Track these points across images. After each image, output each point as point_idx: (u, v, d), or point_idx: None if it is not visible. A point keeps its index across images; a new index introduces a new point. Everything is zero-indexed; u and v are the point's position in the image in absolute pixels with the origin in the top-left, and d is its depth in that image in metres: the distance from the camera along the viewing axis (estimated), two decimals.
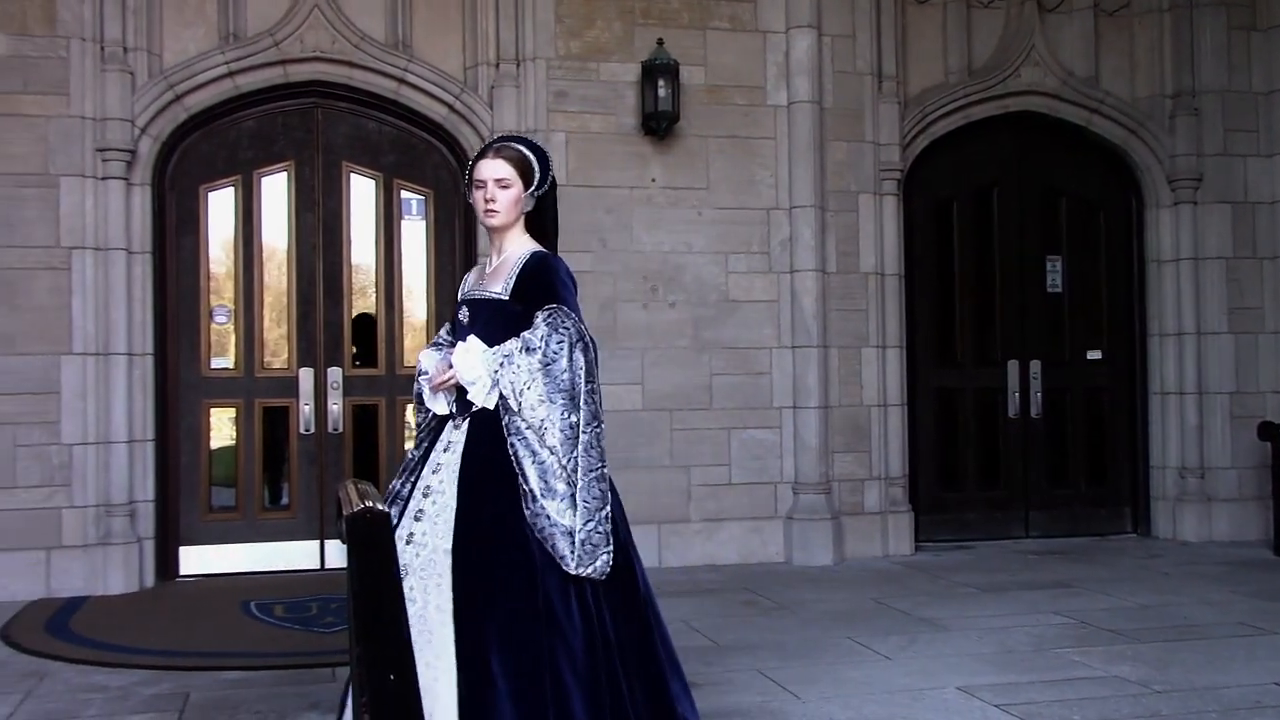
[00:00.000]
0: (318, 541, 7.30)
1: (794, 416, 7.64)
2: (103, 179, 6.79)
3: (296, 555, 7.26)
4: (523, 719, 3.15)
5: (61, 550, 6.63)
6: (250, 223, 7.36)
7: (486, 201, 3.51)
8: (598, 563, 3.29)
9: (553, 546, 3.25)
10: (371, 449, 7.50)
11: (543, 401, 3.31)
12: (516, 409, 3.32)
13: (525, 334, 3.38)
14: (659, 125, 7.42)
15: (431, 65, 7.38)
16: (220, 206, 7.33)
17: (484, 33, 7.42)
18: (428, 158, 7.61)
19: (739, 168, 7.66)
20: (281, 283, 7.42)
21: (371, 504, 2.72)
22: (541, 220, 3.62)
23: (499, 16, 7.40)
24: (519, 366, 3.33)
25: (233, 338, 7.34)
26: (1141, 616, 5.94)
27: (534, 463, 3.29)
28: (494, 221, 3.54)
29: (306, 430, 7.33)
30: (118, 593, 6.66)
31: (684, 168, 7.58)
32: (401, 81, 7.34)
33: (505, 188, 3.50)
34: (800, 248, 7.65)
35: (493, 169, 3.51)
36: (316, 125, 7.46)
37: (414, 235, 7.61)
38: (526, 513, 3.27)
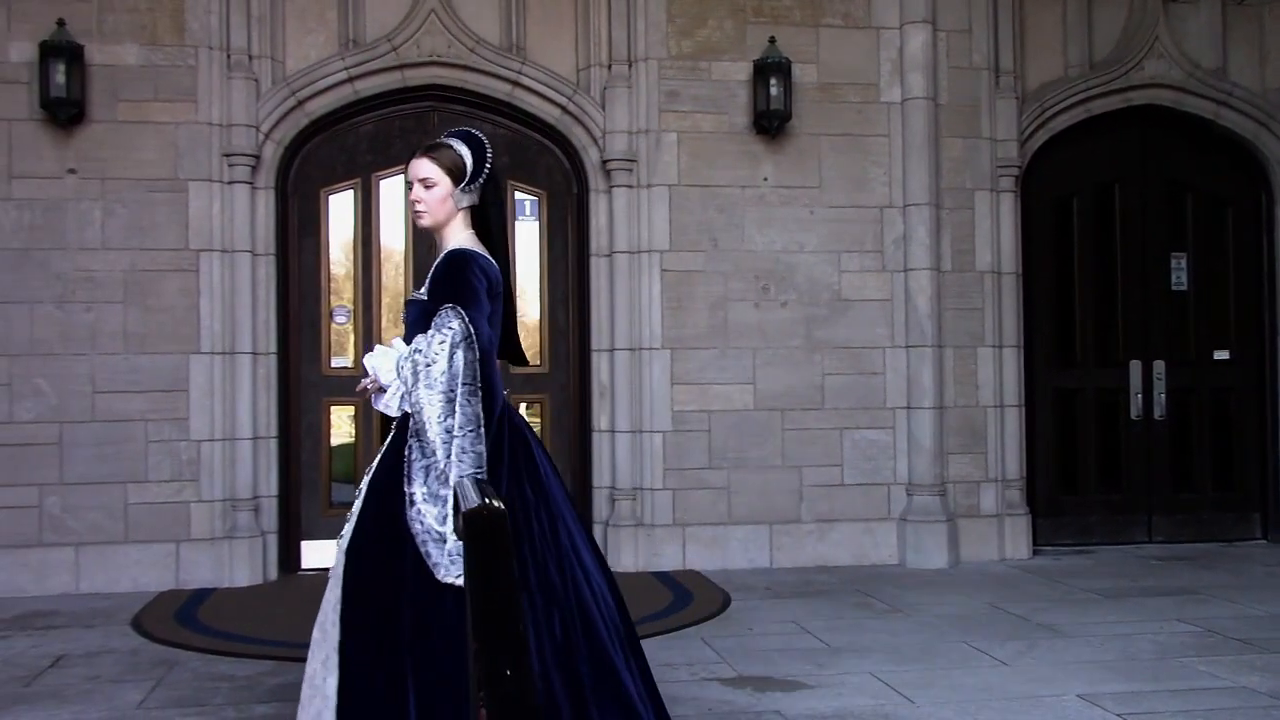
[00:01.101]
0: None
1: (908, 417, 7.55)
2: (228, 183, 7.01)
3: None
4: (358, 709, 3.15)
5: (190, 543, 6.86)
6: (369, 225, 7.52)
7: (414, 203, 3.53)
8: None
9: (427, 554, 3.19)
10: None
11: (424, 404, 3.25)
12: (413, 411, 3.29)
13: (419, 335, 3.36)
14: (771, 124, 7.39)
15: (544, 67, 7.45)
16: (340, 209, 7.50)
17: (596, 34, 7.48)
18: (540, 159, 7.69)
19: (852, 166, 7.59)
20: (399, 283, 7.56)
21: (489, 500, 2.76)
22: (484, 214, 3.58)
23: (611, 17, 7.44)
24: (407, 368, 3.31)
25: (352, 337, 7.50)
26: (1271, 626, 5.75)
27: (422, 466, 3.24)
28: (422, 222, 3.55)
29: None
30: (243, 585, 6.86)
31: (796, 166, 7.54)
32: (515, 84, 7.43)
33: (429, 187, 3.49)
34: (915, 246, 7.55)
35: (416, 169, 3.52)
36: (432, 128, 7.57)
37: (527, 236, 7.70)
38: (408, 515, 3.22)
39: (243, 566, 6.90)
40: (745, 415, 7.41)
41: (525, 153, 7.67)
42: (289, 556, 7.27)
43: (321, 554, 7.31)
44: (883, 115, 7.64)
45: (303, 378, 7.39)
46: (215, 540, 6.88)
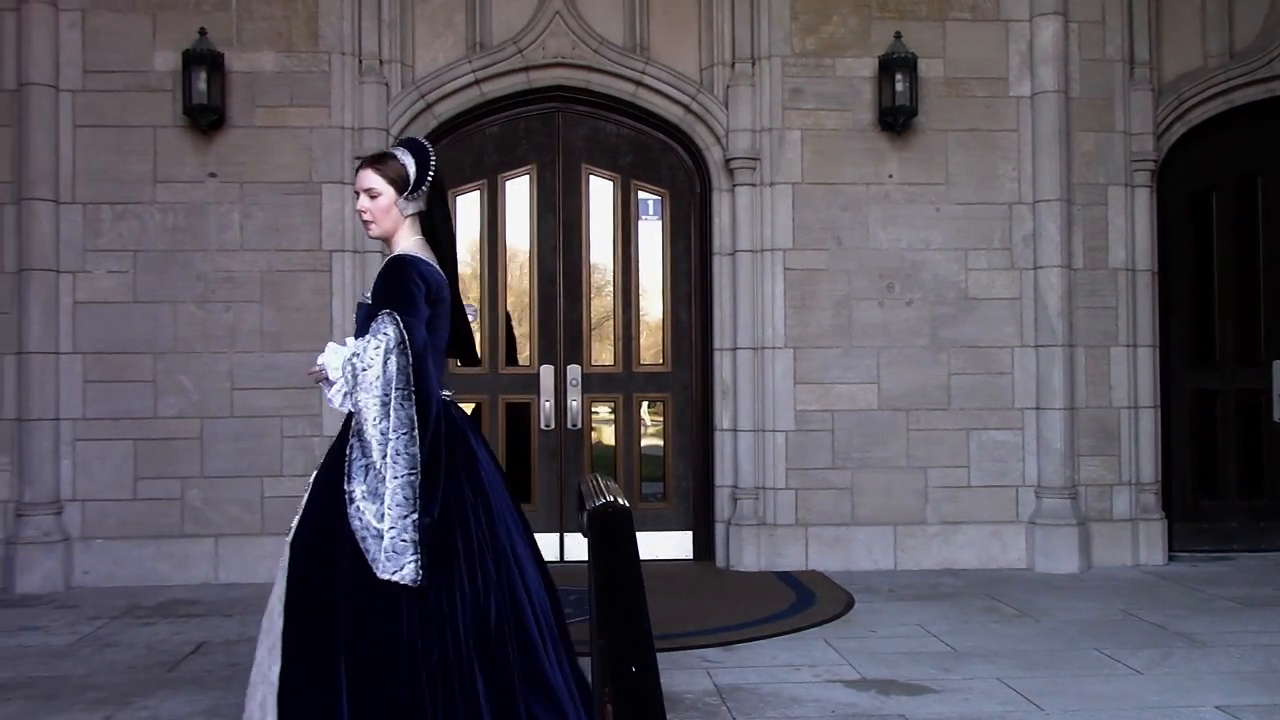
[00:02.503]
0: (558, 534, 7.51)
1: (1037, 418, 7.39)
2: None
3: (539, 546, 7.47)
4: (296, 702, 3.28)
5: None
6: (495, 225, 7.63)
7: (360, 212, 3.66)
8: (405, 569, 3.30)
9: (366, 549, 3.30)
10: (609, 445, 7.67)
11: (362, 407, 3.35)
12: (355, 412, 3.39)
13: (358, 340, 3.47)
14: (896, 120, 7.30)
15: (668, 67, 7.48)
16: (467, 210, 7.63)
17: (719, 32, 7.48)
18: (664, 158, 7.72)
19: (979, 162, 7.46)
20: (524, 283, 7.67)
21: (614, 498, 2.79)
22: (431, 220, 3.69)
23: (734, 16, 7.44)
24: (348, 370, 3.40)
25: (478, 336, 7.62)
26: None
27: (362, 465, 3.36)
28: (371, 231, 3.67)
29: (547, 426, 7.55)
30: None
31: (922, 163, 7.44)
32: (639, 84, 7.47)
33: (374, 197, 3.61)
34: (1044, 243, 7.39)
35: (361, 180, 3.63)
36: (557, 129, 7.67)
37: (650, 235, 7.73)
38: (349, 512, 3.33)
39: None
40: (869, 415, 7.34)
41: (648, 152, 7.71)
42: None
43: None
44: (1011, 110, 7.48)
45: None
46: None
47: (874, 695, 4.63)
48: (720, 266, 7.49)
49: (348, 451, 3.40)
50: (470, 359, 3.92)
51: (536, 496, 7.56)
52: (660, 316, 7.75)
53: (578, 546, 7.28)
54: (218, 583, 6.91)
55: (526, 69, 7.43)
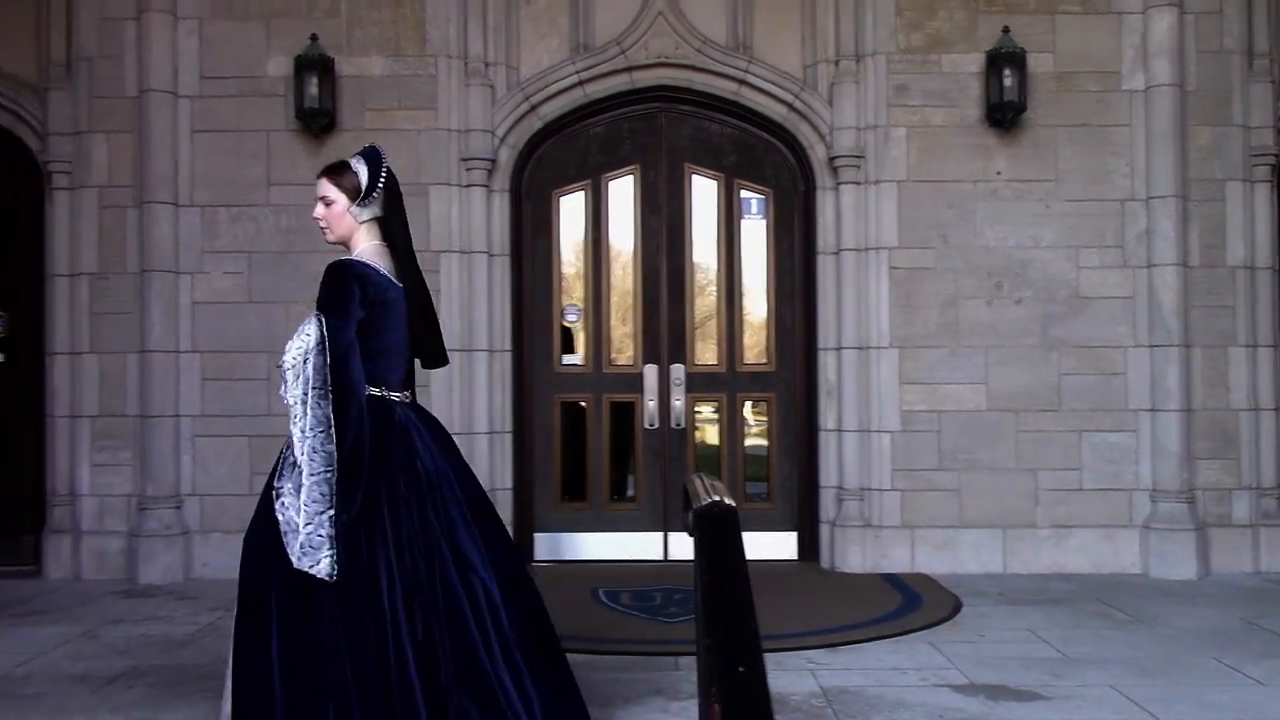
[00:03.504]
0: (661, 533, 7.53)
1: (1151, 420, 7.20)
2: (466, 186, 7.28)
3: (641, 545, 7.52)
4: (239, 701, 3.43)
5: None
6: (598, 225, 7.67)
7: (317, 219, 3.87)
8: (321, 564, 3.40)
9: (286, 543, 3.42)
10: (713, 444, 7.67)
11: (288, 404, 3.49)
12: None
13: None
14: (1004, 116, 7.18)
15: (771, 65, 7.45)
16: (570, 210, 7.69)
17: (823, 30, 7.43)
18: (767, 157, 7.69)
19: (1090, 157, 7.30)
20: (627, 282, 7.70)
21: (720, 498, 2.79)
22: (387, 222, 3.85)
23: (838, 12, 7.38)
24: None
25: (582, 335, 7.68)
26: None
27: (290, 462, 3.50)
28: (328, 237, 3.87)
29: (651, 425, 7.57)
30: None
31: (1031, 159, 7.30)
32: (742, 83, 7.45)
33: (328, 204, 3.82)
34: (1159, 240, 7.20)
35: (318, 188, 3.84)
36: (660, 129, 7.69)
37: (754, 234, 7.71)
38: (276, 507, 3.48)
39: None
40: (976, 415, 7.22)
41: (752, 151, 7.68)
42: (522, 546, 7.47)
43: (554, 546, 7.52)
44: (1124, 104, 7.30)
45: (536, 374, 7.61)
46: None
47: (982, 700, 4.56)
48: (824, 265, 7.44)
49: (285, 448, 3.55)
50: (433, 361, 3.97)
51: (641, 495, 7.59)
52: (764, 316, 7.72)
53: (681, 546, 7.29)
54: None
55: (629, 69, 7.46)
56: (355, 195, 3.80)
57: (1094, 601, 6.37)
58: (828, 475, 7.41)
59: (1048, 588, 6.75)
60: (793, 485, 7.62)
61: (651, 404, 7.58)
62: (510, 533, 7.25)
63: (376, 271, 3.72)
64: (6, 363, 7.63)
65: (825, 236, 7.44)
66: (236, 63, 7.26)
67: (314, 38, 7.16)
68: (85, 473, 7.19)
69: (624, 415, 7.66)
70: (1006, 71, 7.11)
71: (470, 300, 7.26)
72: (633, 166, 7.68)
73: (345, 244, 3.86)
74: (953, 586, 6.72)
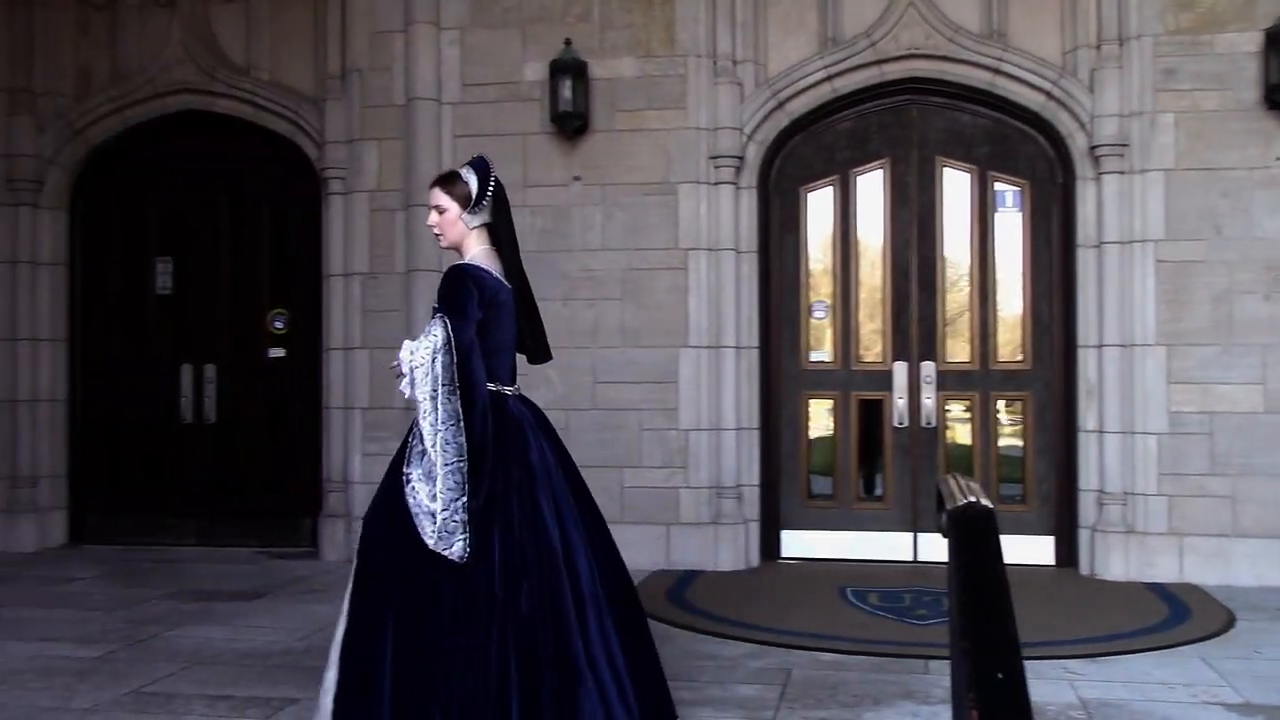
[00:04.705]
0: (911, 534, 7.39)
1: None
2: (714, 184, 7.34)
3: (889, 545, 7.40)
4: (346, 672, 3.67)
5: (678, 526, 7.26)
6: (846, 221, 7.60)
7: (430, 227, 4.07)
8: (455, 546, 3.62)
9: (420, 526, 3.64)
10: (964, 444, 7.47)
11: (417, 400, 3.73)
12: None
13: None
14: None
15: (1027, 53, 7.20)
16: (818, 206, 7.64)
17: (1084, 13, 7.12)
18: (1022, 148, 7.43)
19: None
20: (875, 278, 7.59)
21: (977, 498, 2.72)
22: (495, 228, 4.05)
23: None
24: (406, 366, 3.76)
25: (829, 332, 7.62)
26: None
27: (419, 451, 3.72)
28: (441, 242, 4.09)
29: (900, 423, 7.44)
30: (726, 569, 7.18)
31: None
32: (996, 72, 7.22)
33: (441, 213, 4.01)
34: None
35: (430, 197, 4.05)
36: (910, 122, 7.54)
37: (1008, 228, 7.47)
38: (406, 492, 3.69)
39: (727, 551, 7.21)
40: (1253, 418, 6.78)
41: (1006, 142, 7.45)
42: (770, 544, 7.50)
43: (801, 543, 7.50)
44: None
45: (783, 371, 7.60)
46: (701, 525, 7.24)
47: None
48: (1084, 259, 7.13)
49: (410, 438, 3.79)
50: (538, 356, 4.26)
51: (889, 495, 7.48)
52: (1019, 312, 7.47)
53: (932, 547, 7.13)
54: None
55: (879, 62, 7.35)
56: (466, 203, 4.01)
57: None
58: (1087, 478, 7.10)
59: None
60: (1049, 488, 7.35)
61: (901, 402, 7.46)
62: (756, 530, 7.35)
63: (489, 275, 3.96)
64: (287, 358, 8.18)
65: (1085, 229, 7.13)
66: (495, 69, 7.55)
67: (568, 42, 7.36)
68: (357, 461, 7.63)
69: (872, 413, 7.56)
70: None
71: (718, 297, 7.32)
72: (882, 161, 7.56)
73: (458, 249, 4.08)
74: (1225, 599, 6.33)
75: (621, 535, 7.14)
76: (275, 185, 8.24)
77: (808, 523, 7.55)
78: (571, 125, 7.36)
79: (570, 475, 3.99)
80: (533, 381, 7.35)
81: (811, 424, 7.63)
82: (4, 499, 8.08)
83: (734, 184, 7.37)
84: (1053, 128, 7.26)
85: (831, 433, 7.60)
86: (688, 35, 7.38)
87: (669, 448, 7.30)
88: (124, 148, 8.39)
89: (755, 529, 7.40)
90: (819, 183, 7.64)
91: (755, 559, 7.36)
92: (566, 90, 7.28)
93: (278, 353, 8.22)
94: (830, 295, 7.61)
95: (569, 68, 7.29)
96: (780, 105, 7.44)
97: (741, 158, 7.38)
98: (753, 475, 7.41)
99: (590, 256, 7.42)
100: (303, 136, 7.94)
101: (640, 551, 7.23)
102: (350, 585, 3.84)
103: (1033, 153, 7.43)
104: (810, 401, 7.61)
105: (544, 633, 3.67)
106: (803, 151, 7.65)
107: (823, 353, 7.63)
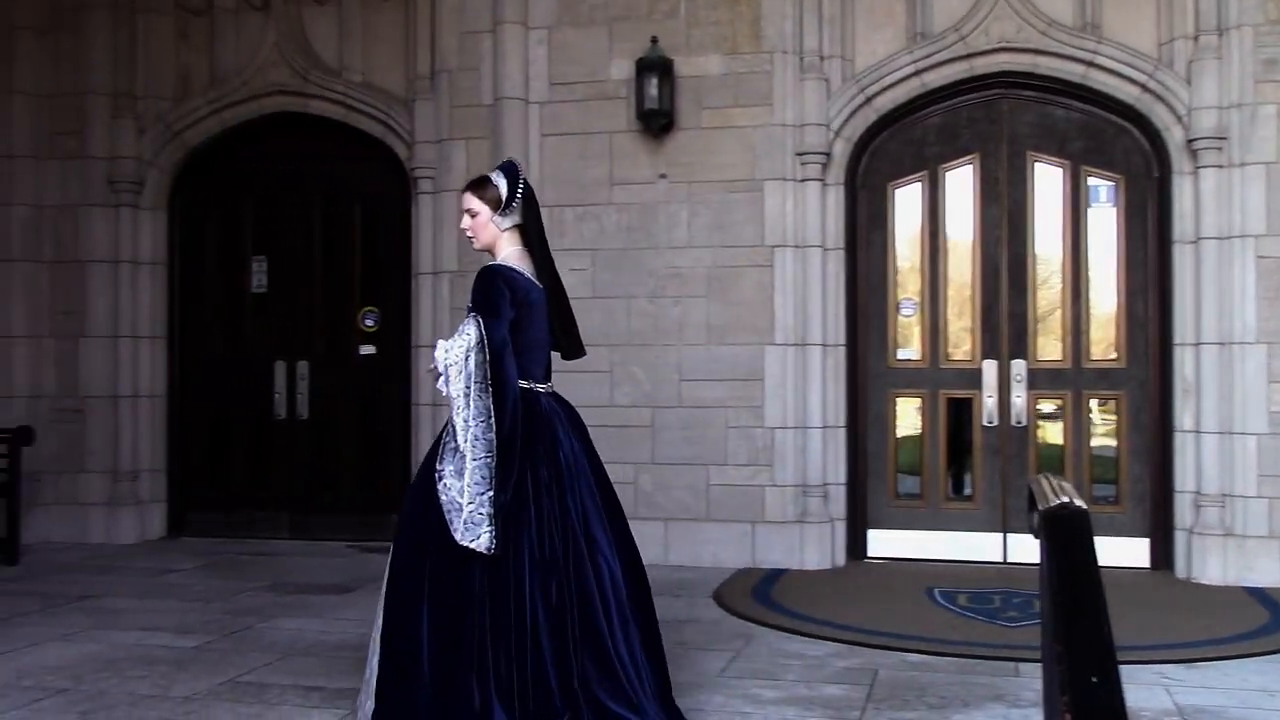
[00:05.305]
0: (1000, 534, 7.28)
1: None
2: (800, 181, 7.30)
3: (978, 546, 7.30)
4: (386, 663, 3.85)
5: (764, 525, 7.24)
6: (935, 217, 7.51)
7: (464, 230, 4.22)
8: (481, 539, 3.76)
9: (449, 519, 3.79)
10: (1055, 444, 7.35)
11: (450, 397, 3.88)
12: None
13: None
14: None
15: (1121, 44, 7.05)
16: (906, 202, 7.56)
17: (1180, 4, 6.96)
18: (1117, 142, 7.29)
19: None
20: (964, 275, 7.50)
21: (1070, 499, 2.68)
22: (526, 229, 4.16)
23: None
24: (441, 364, 3.92)
25: (917, 330, 7.54)
26: None
27: (451, 448, 3.87)
28: (474, 245, 4.22)
29: (989, 422, 7.34)
30: (812, 568, 7.14)
31: None
32: (1090, 64, 7.09)
33: (473, 216, 4.15)
34: None
35: (462, 201, 4.20)
36: (1000, 116, 7.44)
37: (1102, 223, 7.33)
38: (438, 487, 3.84)
39: (812, 550, 7.18)
40: None
41: (1100, 136, 7.31)
42: (856, 543, 7.45)
43: (888, 543, 7.43)
44: None
45: (870, 369, 7.54)
46: (787, 524, 7.21)
47: None
48: (1181, 255, 6.97)
49: (443, 435, 3.94)
50: (570, 353, 4.33)
51: (978, 494, 7.38)
52: (1112, 309, 7.32)
53: (1022, 548, 7.02)
54: (667, 564, 7.26)
55: (969, 56, 7.26)
56: (496, 206, 4.12)
57: None
58: (1184, 479, 6.94)
59: None
60: (1143, 489, 7.20)
61: (990, 400, 7.35)
62: (843, 529, 7.30)
63: (521, 275, 4.08)
64: (377, 355, 8.31)
65: (1182, 224, 6.97)
66: (581, 68, 7.59)
67: (654, 40, 7.37)
68: None
69: (961, 412, 7.46)
70: None
71: (804, 294, 7.28)
72: (971, 156, 7.47)
73: (490, 251, 4.19)
74: None
75: (706, 533, 7.26)
76: (366, 185, 8.38)
77: (895, 522, 7.48)
78: (657, 123, 7.37)
79: (598, 471, 4.15)
80: (618, 379, 7.42)
81: (899, 422, 7.56)
82: (107, 492, 8.32)
83: (820, 180, 7.33)
84: (1148, 121, 7.10)
85: (919, 431, 7.52)
86: (774, 31, 7.35)
87: (754, 446, 7.28)
88: (220, 149, 8.58)
89: (841, 528, 7.35)
90: (907, 179, 7.56)
91: (841, 558, 7.32)
92: (653, 88, 7.30)
93: (368, 350, 8.34)
94: (918, 292, 7.53)
95: (655, 65, 7.31)
96: (868, 101, 7.38)
97: (828, 154, 7.33)
98: (839, 474, 7.37)
99: (676, 254, 7.43)
100: (393, 137, 8.05)
101: (725, 549, 7.26)
102: (385, 578, 4.01)
103: (1127, 146, 7.29)
104: (898, 400, 7.54)
105: (572, 620, 3.84)
106: (890, 147, 7.58)
107: (910, 350, 7.55)
